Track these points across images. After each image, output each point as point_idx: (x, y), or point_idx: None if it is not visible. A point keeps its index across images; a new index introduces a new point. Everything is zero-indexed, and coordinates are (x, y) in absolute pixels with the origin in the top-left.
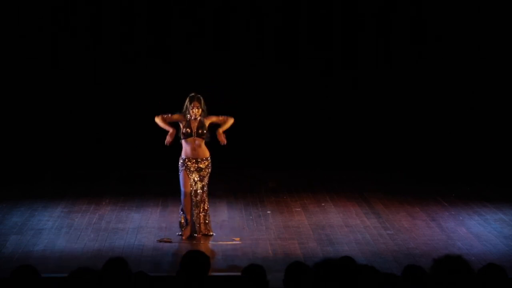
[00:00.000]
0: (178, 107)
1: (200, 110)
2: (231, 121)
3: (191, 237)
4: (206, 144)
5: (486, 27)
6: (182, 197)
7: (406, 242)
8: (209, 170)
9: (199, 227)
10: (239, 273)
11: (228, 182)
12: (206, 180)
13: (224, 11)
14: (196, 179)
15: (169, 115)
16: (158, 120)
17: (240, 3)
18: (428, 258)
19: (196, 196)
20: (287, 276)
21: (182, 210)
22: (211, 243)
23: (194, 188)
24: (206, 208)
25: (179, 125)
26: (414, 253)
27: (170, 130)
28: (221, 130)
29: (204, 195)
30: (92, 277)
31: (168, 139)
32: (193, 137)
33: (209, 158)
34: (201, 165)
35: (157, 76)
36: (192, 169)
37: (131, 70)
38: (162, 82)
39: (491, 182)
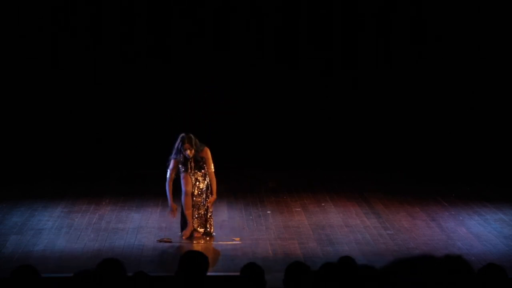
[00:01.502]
0: (177, 108)
1: (193, 150)
2: (214, 179)
3: (191, 237)
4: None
5: (486, 27)
6: (183, 197)
7: (406, 242)
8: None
9: (203, 224)
10: (239, 273)
11: (228, 182)
12: (208, 178)
13: (224, 11)
14: (200, 179)
15: (171, 174)
16: (168, 185)
17: (240, 3)
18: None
19: (201, 195)
20: (287, 276)
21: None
22: (211, 243)
23: (199, 187)
24: (209, 206)
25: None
26: (414, 253)
27: (170, 202)
28: (213, 199)
29: (208, 192)
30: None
31: (171, 216)
32: (191, 171)
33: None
34: (201, 164)
35: (157, 76)
36: (194, 169)
37: (131, 70)
38: (162, 82)
39: (491, 182)
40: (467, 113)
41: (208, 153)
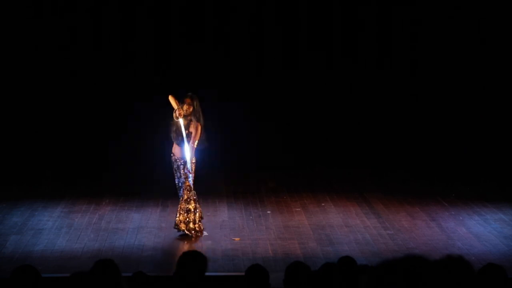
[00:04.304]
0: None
1: (191, 108)
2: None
3: (190, 237)
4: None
5: (486, 27)
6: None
7: (406, 242)
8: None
9: (195, 224)
10: (239, 273)
11: (228, 182)
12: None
13: (224, 11)
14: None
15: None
16: (171, 98)
17: (240, 3)
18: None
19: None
20: (287, 276)
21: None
22: (211, 243)
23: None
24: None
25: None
26: (414, 253)
27: (176, 107)
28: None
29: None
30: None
31: (178, 115)
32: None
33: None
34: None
35: (157, 76)
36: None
37: (130, 70)
38: (162, 82)
39: (491, 182)
40: (467, 113)
41: (198, 129)
